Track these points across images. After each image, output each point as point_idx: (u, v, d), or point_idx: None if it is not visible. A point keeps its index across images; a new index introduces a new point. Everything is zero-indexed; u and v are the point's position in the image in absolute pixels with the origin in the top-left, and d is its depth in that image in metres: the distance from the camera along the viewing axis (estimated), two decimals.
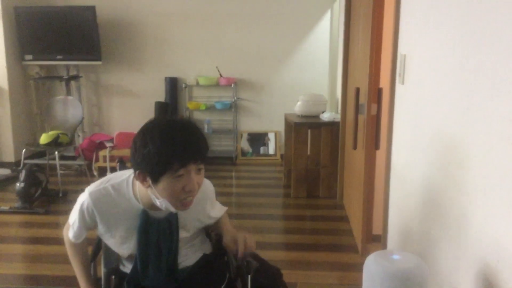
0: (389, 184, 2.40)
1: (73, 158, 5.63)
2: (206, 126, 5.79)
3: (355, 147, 3.17)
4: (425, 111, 1.82)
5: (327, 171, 4.42)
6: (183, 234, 1.62)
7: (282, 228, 3.85)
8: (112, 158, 4.99)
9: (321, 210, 4.15)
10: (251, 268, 1.68)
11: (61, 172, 5.00)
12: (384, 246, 2.56)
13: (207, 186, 1.70)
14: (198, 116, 6.00)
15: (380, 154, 3.06)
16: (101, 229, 1.56)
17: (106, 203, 1.50)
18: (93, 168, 5.31)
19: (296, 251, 3.31)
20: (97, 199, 1.50)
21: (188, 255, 1.68)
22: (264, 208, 4.20)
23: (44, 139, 4.61)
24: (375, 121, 2.97)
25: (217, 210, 1.77)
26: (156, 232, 1.54)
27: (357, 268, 3.04)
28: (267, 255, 3.15)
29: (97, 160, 5.33)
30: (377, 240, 3.20)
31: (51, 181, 4.60)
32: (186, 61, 5.89)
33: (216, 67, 5.76)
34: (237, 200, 4.50)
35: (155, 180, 1.38)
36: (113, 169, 4.77)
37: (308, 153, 4.38)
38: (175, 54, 5.88)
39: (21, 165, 4.59)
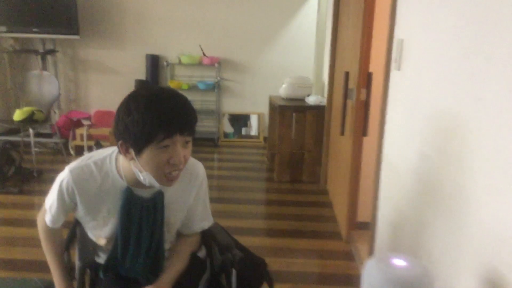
0: (380, 171, 2.33)
1: (49, 135, 5.43)
2: None
3: (342, 133, 3.10)
4: (423, 99, 1.74)
5: (311, 156, 4.35)
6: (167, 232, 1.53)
7: (265, 214, 3.78)
8: (89, 137, 4.82)
9: (304, 195, 4.09)
10: (236, 261, 1.60)
11: (36, 150, 4.82)
12: (372, 234, 2.51)
13: (198, 169, 1.56)
14: None
15: (367, 141, 3.00)
16: (80, 212, 1.44)
17: (87, 181, 1.39)
18: (69, 146, 5.14)
19: (278, 238, 3.25)
20: (78, 177, 1.39)
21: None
22: (247, 192, 4.12)
23: (18, 115, 4.40)
24: (364, 106, 2.90)
25: (200, 222, 1.62)
26: (139, 212, 1.43)
27: (341, 255, 3.00)
28: (248, 241, 3.10)
29: (74, 138, 5.15)
30: (362, 228, 3.16)
31: (25, 159, 4.43)
32: (168, 38, 5.70)
33: (199, 45, 5.59)
34: (219, 183, 4.41)
35: (139, 151, 1.28)
36: (90, 148, 4.63)
37: (293, 136, 4.30)
38: (157, 30, 5.68)
39: None
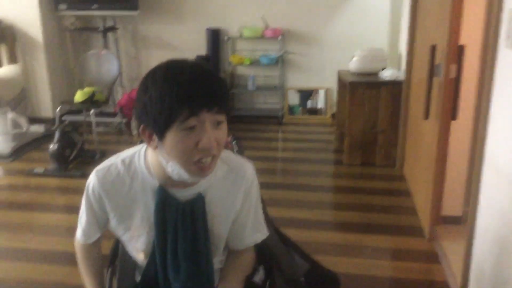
0: (480, 171, 1.90)
1: (111, 115, 5.38)
2: (250, 83, 5.35)
3: (426, 117, 2.66)
4: None
5: (385, 137, 3.93)
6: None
7: (332, 203, 3.45)
8: None
9: (377, 181, 3.70)
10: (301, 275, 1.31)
11: (99, 130, 4.77)
12: (467, 230, 2.07)
13: (246, 169, 1.28)
14: (241, 71, 5.55)
15: (455, 124, 2.56)
16: (113, 222, 1.23)
17: (114, 183, 1.18)
18: (131, 126, 5.05)
19: (346, 232, 2.91)
20: (104, 178, 1.18)
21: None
22: (313, 178, 3.79)
23: (79, 96, 4.34)
24: (454, 85, 2.45)
25: (253, 234, 1.33)
26: (174, 217, 1.19)
27: (422, 256, 2.62)
28: (313, 236, 2.83)
29: None
30: (449, 222, 2.76)
31: (88, 140, 4.38)
32: (229, 10, 5.38)
33: (262, 17, 5.22)
34: (282, 166, 4.11)
35: (161, 136, 1.06)
36: None
37: (365, 115, 3.89)
38: (217, 2, 5.38)
39: (56, 124, 4.37)
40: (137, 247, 1.25)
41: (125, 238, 1.26)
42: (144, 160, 1.19)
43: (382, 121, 3.89)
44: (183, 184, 1.17)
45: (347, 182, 3.75)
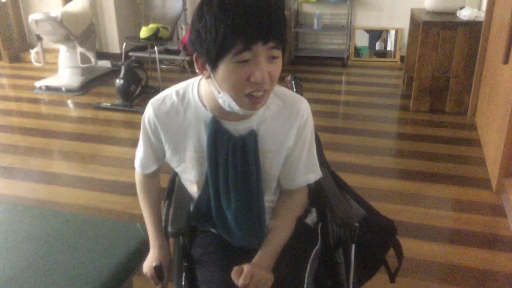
0: None
1: (176, 52, 5.42)
2: (315, 21, 5.12)
3: (506, 61, 2.42)
4: None
5: (458, 82, 3.66)
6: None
7: (395, 150, 3.31)
8: None
9: (446, 129, 3.49)
10: (355, 236, 1.27)
11: (163, 67, 4.83)
12: None
13: (301, 105, 1.23)
14: (307, 9, 5.32)
15: None
16: (168, 153, 1.24)
17: (168, 113, 1.19)
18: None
19: (409, 181, 2.80)
20: (159, 109, 1.19)
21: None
22: (376, 123, 3.65)
23: (144, 33, 4.37)
24: None
25: (305, 174, 1.29)
26: (226, 149, 1.17)
27: (488, 209, 2.48)
28: (373, 183, 2.75)
29: None
30: None
31: (152, 77, 4.46)
32: None
33: None
34: (345, 110, 3.98)
35: (214, 65, 1.03)
36: None
37: (437, 58, 3.62)
38: None
39: (122, 60, 4.46)
40: (191, 178, 1.26)
41: (179, 169, 1.27)
42: (198, 91, 1.18)
43: (456, 66, 3.62)
44: (235, 117, 1.15)
45: (412, 129, 3.57)
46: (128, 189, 2.70)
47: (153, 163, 1.32)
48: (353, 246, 1.26)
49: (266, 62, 1.02)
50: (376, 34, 5.27)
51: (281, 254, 1.24)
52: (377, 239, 1.38)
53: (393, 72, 4.91)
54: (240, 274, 1.14)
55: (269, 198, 1.30)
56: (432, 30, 3.57)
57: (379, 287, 1.55)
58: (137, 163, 1.34)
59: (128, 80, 3.98)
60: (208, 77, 1.08)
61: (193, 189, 1.30)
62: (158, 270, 1.29)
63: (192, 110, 1.18)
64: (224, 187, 1.21)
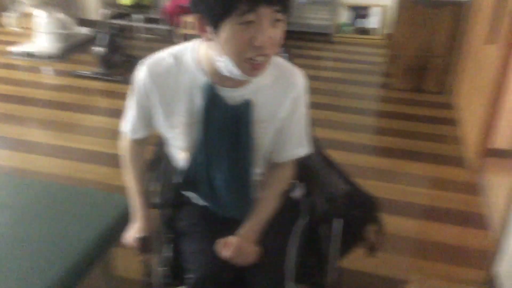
0: None
1: (158, 21, 5.30)
2: None
3: (493, 41, 2.44)
4: None
5: (440, 62, 3.68)
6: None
7: (376, 127, 3.35)
8: None
9: (425, 108, 3.53)
10: (342, 210, 1.29)
11: (145, 36, 4.72)
12: None
13: (297, 77, 1.24)
14: None
15: None
16: (160, 117, 1.22)
17: (164, 75, 1.17)
18: (175, 34, 4.97)
19: (386, 158, 2.85)
20: (154, 71, 1.17)
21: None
22: (358, 100, 3.66)
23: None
24: None
25: (295, 148, 1.30)
26: (219, 117, 1.17)
27: (463, 187, 2.54)
28: (352, 158, 2.77)
29: (182, 25, 4.95)
30: (497, 155, 2.63)
31: (133, 46, 4.36)
32: None
33: None
34: (327, 86, 3.97)
35: (216, 26, 1.02)
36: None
37: (421, 37, 3.63)
38: None
39: (102, 27, 4.34)
40: (180, 145, 1.25)
41: (170, 136, 1.26)
42: (195, 55, 1.16)
43: (438, 45, 3.63)
44: (231, 83, 1.14)
45: (393, 107, 3.60)
46: (107, 159, 2.67)
47: (143, 128, 1.29)
48: (341, 221, 1.29)
49: (270, 26, 1.02)
50: (360, 11, 5.23)
51: (266, 227, 1.25)
52: (361, 214, 1.40)
53: (377, 49, 4.91)
54: (225, 246, 1.15)
55: (259, 171, 1.30)
56: (417, 7, 3.56)
57: (355, 260, 1.58)
58: (126, 127, 1.30)
59: (109, 48, 3.89)
60: (209, 39, 1.06)
61: (182, 157, 1.28)
62: (145, 241, 1.28)
63: (188, 74, 1.16)
64: (216, 155, 1.21)
